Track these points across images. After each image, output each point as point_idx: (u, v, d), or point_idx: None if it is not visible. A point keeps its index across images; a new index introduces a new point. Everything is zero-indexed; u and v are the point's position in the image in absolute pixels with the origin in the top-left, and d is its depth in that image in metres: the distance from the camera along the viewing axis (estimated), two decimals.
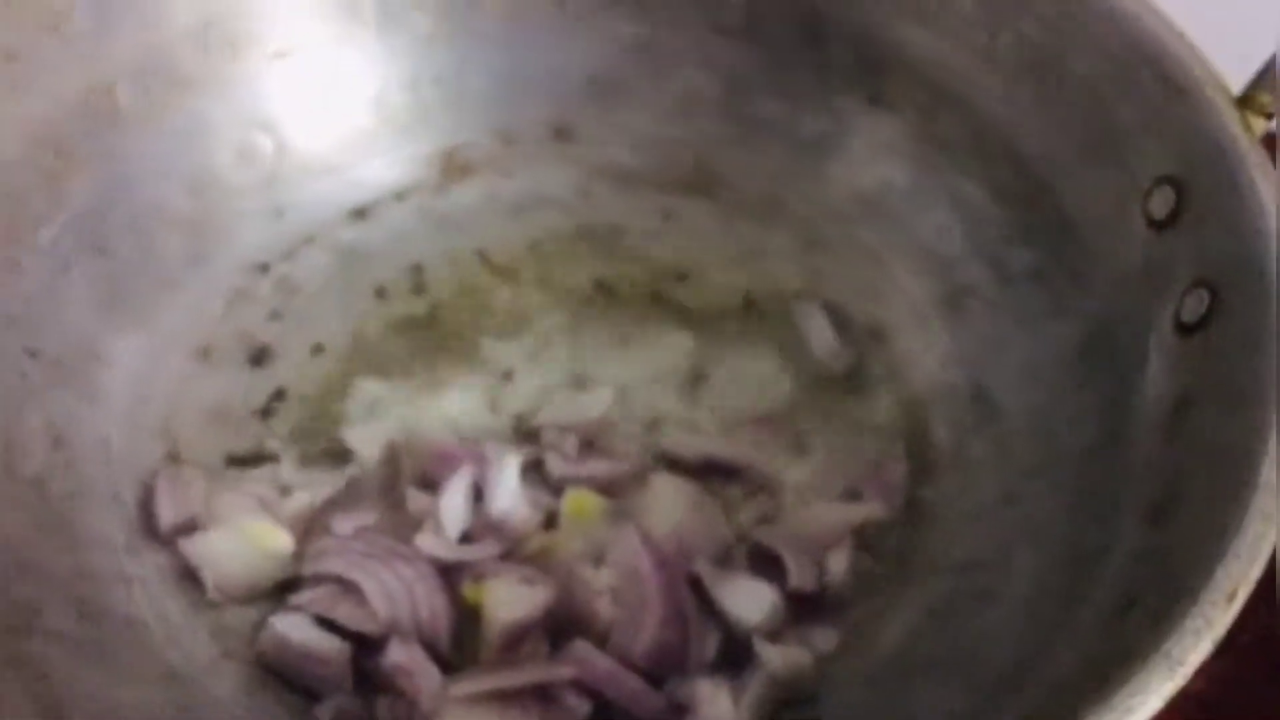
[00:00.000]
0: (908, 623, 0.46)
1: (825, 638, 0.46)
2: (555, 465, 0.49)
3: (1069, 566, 0.43)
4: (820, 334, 0.54)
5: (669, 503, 0.47)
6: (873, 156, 0.56)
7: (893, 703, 0.43)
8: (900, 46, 0.55)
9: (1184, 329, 0.44)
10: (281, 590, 0.46)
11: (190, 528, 0.47)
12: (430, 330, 0.54)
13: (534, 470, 0.49)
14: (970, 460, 0.50)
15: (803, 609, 0.46)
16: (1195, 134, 0.45)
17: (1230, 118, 0.44)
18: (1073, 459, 0.46)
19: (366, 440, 0.50)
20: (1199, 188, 0.44)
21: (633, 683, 0.43)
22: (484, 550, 0.46)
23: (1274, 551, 0.36)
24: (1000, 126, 0.52)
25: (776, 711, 0.44)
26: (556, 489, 0.48)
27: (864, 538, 0.48)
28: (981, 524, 0.47)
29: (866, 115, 0.56)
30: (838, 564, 0.47)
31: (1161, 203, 0.46)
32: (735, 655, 0.45)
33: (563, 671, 0.43)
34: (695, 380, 0.53)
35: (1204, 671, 0.50)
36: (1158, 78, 0.46)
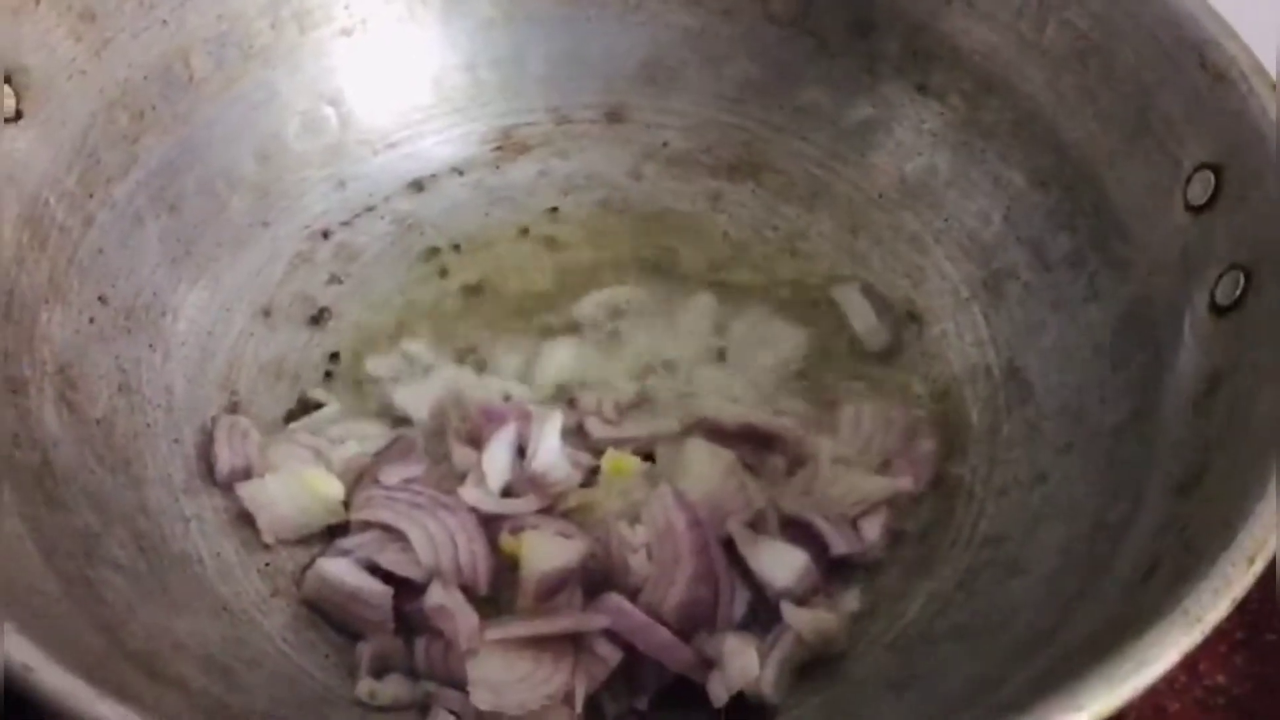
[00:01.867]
0: (934, 591, 0.47)
1: (852, 602, 0.47)
2: (595, 427, 0.50)
3: (1094, 538, 0.43)
4: (860, 314, 0.55)
5: (705, 467, 0.48)
6: (917, 143, 0.57)
7: (915, 665, 0.44)
8: (948, 36, 0.56)
9: (1218, 310, 0.44)
10: (330, 535, 0.48)
11: (246, 473, 0.49)
12: (481, 298, 0.56)
13: (575, 431, 0.50)
14: (1002, 439, 0.50)
15: (833, 573, 0.47)
16: (1236, 120, 0.46)
17: (1271, 104, 0.45)
18: (1103, 437, 0.47)
19: (416, 400, 0.52)
20: (1238, 173, 0.45)
21: (663, 635, 0.44)
22: (524, 505, 0.48)
23: None
24: (1044, 114, 0.53)
25: (802, 669, 0.45)
26: (596, 450, 0.50)
27: (895, 510, 0.49)
28: (1010, 499, 0.48)
29: (912, 103, 0.57)
30: (871, 531, 0.48)
31: (1201, 188, 0.46)
32: (765, 615, 0.46)
33: (596, 620, 0.44)
34: (735, 352, 0.54)
35: (1231, 668, 0.51)
36: (1201, 65, 0.47)
